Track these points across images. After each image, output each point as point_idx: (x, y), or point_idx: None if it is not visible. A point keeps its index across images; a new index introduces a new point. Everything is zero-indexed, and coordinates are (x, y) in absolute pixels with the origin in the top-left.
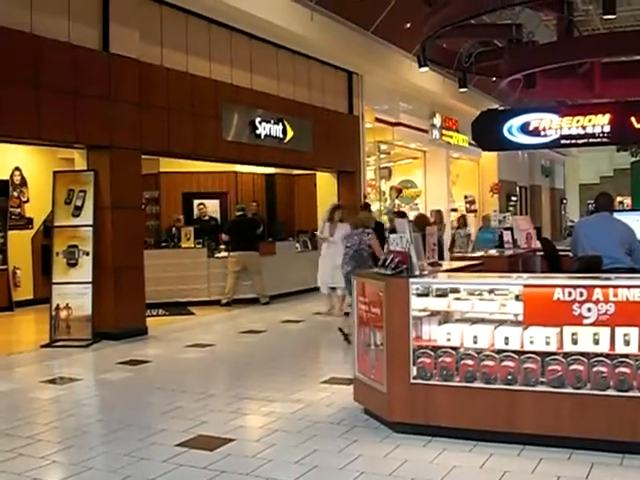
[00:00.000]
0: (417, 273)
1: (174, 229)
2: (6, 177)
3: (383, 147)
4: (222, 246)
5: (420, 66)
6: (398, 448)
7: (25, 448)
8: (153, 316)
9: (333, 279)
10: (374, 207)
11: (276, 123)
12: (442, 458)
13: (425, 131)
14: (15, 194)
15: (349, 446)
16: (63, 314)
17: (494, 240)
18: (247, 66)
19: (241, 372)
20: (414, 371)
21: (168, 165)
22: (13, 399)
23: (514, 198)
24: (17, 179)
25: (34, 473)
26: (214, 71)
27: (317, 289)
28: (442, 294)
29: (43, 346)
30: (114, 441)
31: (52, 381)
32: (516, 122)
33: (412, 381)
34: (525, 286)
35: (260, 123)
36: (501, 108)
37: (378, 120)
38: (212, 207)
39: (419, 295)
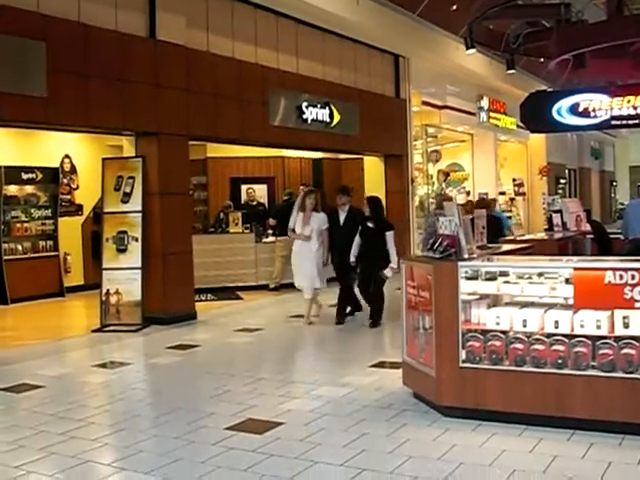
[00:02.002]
0: (466, 256)
1: (222, 214)
2: (56, 165)
3: (430, 130)
4: (269, 231)
5: (467, 48)
6: (447, 432)
7: (77, 431)
8: (202, 301)
9: (314, 280)
10: (422, 191)
11: (323, 107)
12: (491, 442)
13: (472, 114)
14: (65, 181)
15: (398, 430)
16: (113, 299)
17: (498, 227)
18: (293, 51)
19: (289, 356)
20: (463, 355)
21: (215, 150)
22: (65, 383)
23: (563, 181)
24: (67, 166)
25: (86, 455)
26: (260, 56)
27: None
28: (491, 277)
29: (94, 331)
30: (164, 424)
31: (103, 365)
32: (565, 103)
33: (461, 365)
34: (575, 269)
35: (307, 107)
36: (550, 89)
37: (425, 103)
38: (259, 192)
39: (468, 278)
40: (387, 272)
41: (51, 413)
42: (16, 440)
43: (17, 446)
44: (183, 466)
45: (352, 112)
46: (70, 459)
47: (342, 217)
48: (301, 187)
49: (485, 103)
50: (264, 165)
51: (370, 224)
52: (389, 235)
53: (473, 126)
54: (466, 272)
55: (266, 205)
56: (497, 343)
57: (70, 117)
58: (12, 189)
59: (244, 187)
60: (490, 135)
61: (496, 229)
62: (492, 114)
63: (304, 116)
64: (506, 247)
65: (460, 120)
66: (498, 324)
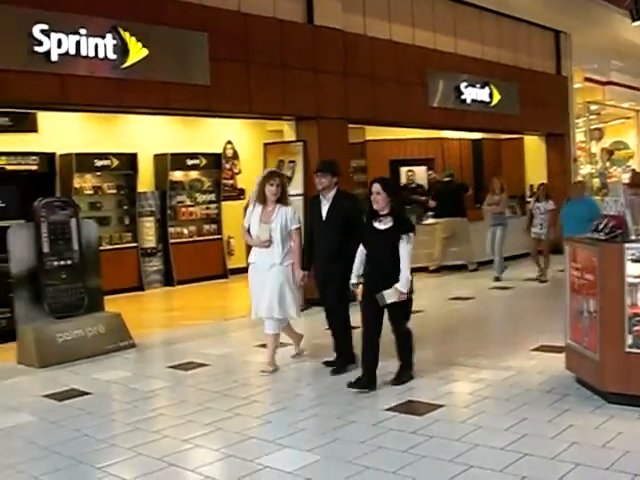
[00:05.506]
0: (633, 238)
1: None
2: (219, 150)
3: (593, 107)
4: (430, 213)
5: (633, 20)
6: (612, 419)
7: (241, 408)
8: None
9: (279, 306)
10: (584, 170)
11: (482, 87)
12: None
13: (639, 89)
14: (227, 166)
15: (560, 415)
16: None
17: (590, 217)
18: (451, 31)
19: (450, 338)
20: (629, 340)
21: (374, 133)
22: (229, 362)
23: None
24: (229, 152)
25: (250, 432)
26: (418, 38)
27: (526, 255)
28: None
29: None
30: (325, 404)
31: (264, 345)
32: None
33: (627, 350)
34: None
35: (466, 88)
36: None
37: (587, 80)
38: (419, 174)
39: (635, 261)
40: (387, 294)
41: (216, 390)
42: (185, 415)
43: (186, 421)
44: (343, 445)
45: (512, 91)
46: (235, 435)
47: (325, 207)
48: (429, 173)
49: None
50: (423, 147)
51: (379, 224)
52: (407, 239)
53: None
54: (633, 254)
55: (425, 187)
56: None
57: (232, 104)
58: (177, 175)
59: (403, 169)
60: None
61: None
62: None
63: (463, 96)
64: None
65: (625, 96)
66: None
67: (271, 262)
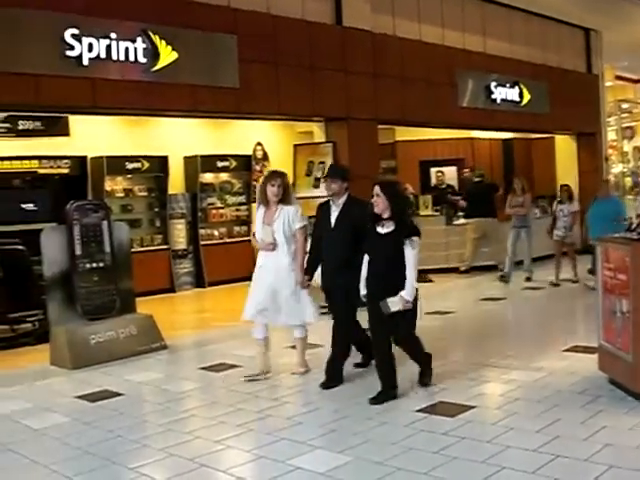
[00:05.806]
0: None
1: (412, 197)
2: (249, 152)
3: (624, 106)
4: (460, 213)
5: None
6: None
7: (272, 409)
8: None
9: (291, 312)
10: (616, 169)
11: (512, 87)
12: None
13: None
14: (257, 168)
15: (593, 417)
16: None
17: (617, 217)
18: (479, 30)
19: (481, 339)
20: None
21: (404, 134)
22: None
23: None
24: (259, 154)
25: (281, 433)
26: (447, 38)
27: (552, 256)
28: None
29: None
30: (356, 405)
31: (294, 347)
32: None
33: None
34: None
35: (495, 87)
36: None
37: (618, 78)
38: (449, 174)
39: None
40: (392, 302)
41: (248, 392)
42: (216, 416)
43: (217, 422)
44: (374, 446)
45: (542, 90)
46: (266, 436)
47: (334, 214)
48: (464, 170)
49: None
50: (453, 147)
51: (381, 228)
52: (412, 244)
53: None
54: None
55: (455, 187)
56: None
57: (261, 106)
58: (208, 177)
59: (433, 170)
60: None
61: None
62: None
63: (493, 96)
64: None
65: None
66: None
67: (278, 264)
